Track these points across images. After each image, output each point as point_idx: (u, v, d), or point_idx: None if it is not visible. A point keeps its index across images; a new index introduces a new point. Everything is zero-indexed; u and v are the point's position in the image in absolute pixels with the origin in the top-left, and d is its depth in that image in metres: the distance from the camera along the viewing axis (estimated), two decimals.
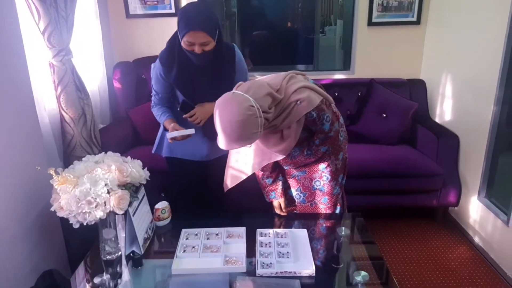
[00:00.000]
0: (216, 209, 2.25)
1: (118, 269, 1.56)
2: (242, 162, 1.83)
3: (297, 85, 1.54)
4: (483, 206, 2.54)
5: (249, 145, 1.50)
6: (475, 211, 2.64)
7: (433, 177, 2.73)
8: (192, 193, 2.18)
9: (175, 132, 1.91)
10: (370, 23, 3.28)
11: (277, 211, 1.96)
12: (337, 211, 1.93)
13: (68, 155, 2.27)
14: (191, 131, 1.95)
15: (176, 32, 1.86)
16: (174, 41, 1.87)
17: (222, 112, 1.39)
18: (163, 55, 1.91)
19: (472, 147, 2.68)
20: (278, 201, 1.94)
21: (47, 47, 2.07)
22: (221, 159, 2.09)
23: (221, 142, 1.44)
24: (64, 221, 1.47)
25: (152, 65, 1.98)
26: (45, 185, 1.45)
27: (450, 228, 2.85)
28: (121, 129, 2.96)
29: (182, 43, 1.78)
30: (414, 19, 3.26)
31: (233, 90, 1.44)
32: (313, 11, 4.23)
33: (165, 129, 2.04)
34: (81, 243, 1.81)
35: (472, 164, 2.66)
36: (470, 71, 2.68)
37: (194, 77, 1.90)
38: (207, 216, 2.00)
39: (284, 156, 1.72)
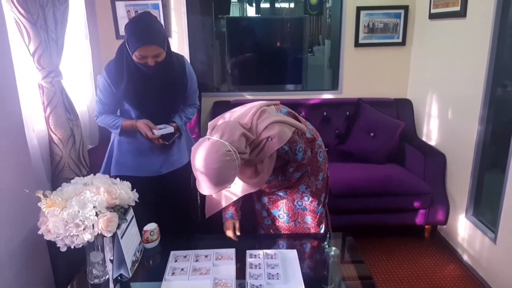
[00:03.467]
0: (191, 226, 2.24)
1: None
2: (223, 194, 1.85)
3: (267, 121, 1.55)
4: (470, 224, 2.57)
5: (229, 186, 1.56)
6: (463, 229, 2.66)
7: (421, 196, 2.75)
8: (156, 215, 1.92)
9: (163, 129, 1.93)
10: (357, 44, 3.35)
11: (229, 233, 1.83)
12: (322, 230, 1.94)
13: (56, 177, 2.25)
14: (171, 128, 1.98)
15: (122, 45, 1.89)
16: (121, 54, 1.89)
17: (200, 160, 1.41)
18: (111, 68, 1.92)
19: (458, 165, 2.72)
20: (233, 222, 1.85)
21: (36, 68, 2.07)
22: (176, 172, 2.11)
23: (202, 188, 1.47)
24: (51, 244, 1.45)
25: (99, 76, 1.99)
26: (33, 207, 1.43)
27: (439, 246, 2.87)
28: None
29: (134, 57, 1.81)
30: (400, 40, 3.34)
31: (208, 136, 1.47)
32: (301, 31, 4.30)
33: (121, 134, 2.01)
34: (68, 266, 1.78)
35: (459, 182, 2.70)
36: (454, 91, 2.74)
37: (144, 89, 1.91)
38: (196, 237, 1.98)
39: (258, 188, 1.76)
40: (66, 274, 1.83)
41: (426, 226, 2.95)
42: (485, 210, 2.53)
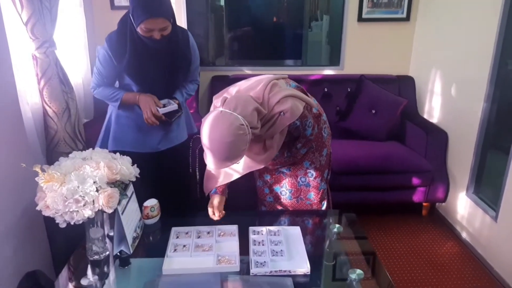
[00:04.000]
0: (190, 203, 2.20)
1: (105, 269, 1.51)
2: (224, 170, 1.77)
3: (279, 95, 1.49)
4: (471, 202, 2.56)
5: (238, 162, 1.48)
6: (463, 207, 2.66)
7: (422, 173, 2.74)
8: (154, 191, 1.89)
9: (167, 107, 1.88)
10: (360, 19, 3.26)
11: (211, 210, 1.74)
12: (323, 206, 1.92)
13: (51, 151, 2.19)
14: (175, 105, 1.92)
15: (125, 16, 1.80)
16: (125, 25, 1.80)
17: (212, 133, 1.35)
18: (113, 40, 1.83)
19: (460, 143, 2.69)
20: (217, 198, 1.76)
21: (30, 38, 1.98)
22: (175, 149, 2.06)
23: (210, 162, 1.42)
24: (48, 220, 1.40)
25: (99, 47, 1.89)
26: (29, 182, 1.38)
27: (437, 223, 2.87)
28: None
29: (139, 30, 1.72)
30: (404, 15, 3.26)
31: (220, 108, 1.38)
32: (301, 6, 4.19)
33: (120, 107, 1.94)
34: (66, 242, 1.74)
35: (461, 160, 2.68)
36: (459, 68, 2.69)
37: (148, 63, 1.84)
38: (197, 213, 1.95)
39: (264, 165, 1.69)
40: (64, 250, 1.79)
41: (424, 204, 2.95)
42: (486, 188, 2.52)
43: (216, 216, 1.73)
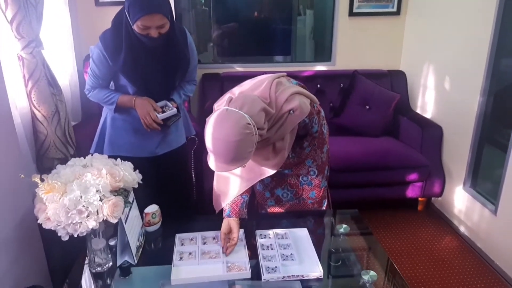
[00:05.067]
0: (188, 207, 2.14)
1: (108, 281, 1.43)
2: (233, 181, 1.68)
3: (286, 93, 1.43)
4: (468, 196, 2.57)
5: (244, 165, 1.38)
6: (460, 201, 2.67)
7: (419, 168, 2.73)
8: (153, 198, 1.79)
9: (166, 113, 1.81)
10: (351, 13, 3.23)
11: (223, 238, 1.55)
12: (324, 205, 1.88)
13: (41, 157, 2.07)
14: (174, 110, 1.85)
15: (120, 13, 1.71)
16: (120, 23, 1.71)
17: (217, 132, 1.27)
18: (107, 39, 1.74)
19: (456, 137, 2.70)
20: (229, 222, 1.57)
21: (15, 38, 1.86)
22: (173, 153, 1.99)
23: (214, 164, 1.33)
24: (44, 231, 1.31)
25: (92, 47, 1.80)
26: (23, 192, 1.29)
27: (434, 218, 2.88)
28: (94, 126, 2.76)
29: (135, 27, 1.64)
30: (394, 9, 3.25)
31: (226, 107, 1.31)
32: (289, 0, 4.14)
33: (116, 110, 1.86)
34: (63, 254, 1.65)
35: (456, 154, 2.68)
36: (454, 62, 2.68)
37: (145, 63, 1.76)
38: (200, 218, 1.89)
39: (276, 171, 1.60)
40: (61, 261, 1.70)
41: (421, 199, 2.95)
42: (483, 182, 2.54)
43: (226, 249, 1.53)
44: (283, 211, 1.86)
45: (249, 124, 1.27)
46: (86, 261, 1.49)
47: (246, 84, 1.51)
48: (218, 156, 1.30)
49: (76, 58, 2.77)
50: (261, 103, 1.35)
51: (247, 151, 1.29)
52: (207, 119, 1.35)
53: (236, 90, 1.50)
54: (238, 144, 1.25)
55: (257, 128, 1.30)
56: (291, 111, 1.40)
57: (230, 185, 1.66)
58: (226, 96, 1.44)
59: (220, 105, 1.41)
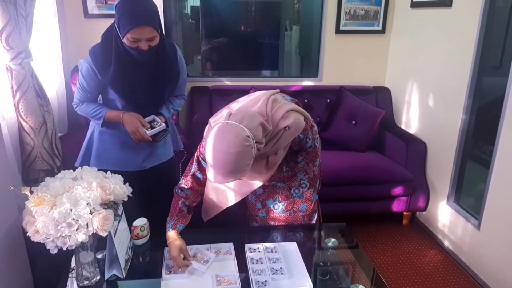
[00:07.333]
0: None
1: None
2: (224, 194, 1.75)
3: (282, 110, 1.48)
4: (452, 210, 2.62)
5: (242, 178, 1.42)
6: (444, 215, 2.72)
7: (404, 183, 2.78)
8: (140, 211, 1.77)
9: (155, 129, 1.80)
10: (338, 30, 3.30)
11: (174, 255, 1.51)
12: (314, 218, 1.90)
13: (27, 168, 2.05)
14: (163, 125, 1.85)
15: (110, 28, 1.73)
16: (109, 37, 1.72)
17: (219, 144, 1.31)
18: (97, 53, 1.74)
19: (439, 153, 2.76)
20: (180, 242, 1.55)
21: (4, 49, 1.85)
22: (161, 167, 1.99)
23: (213, 175, 1.37)
24: (31, 244, 1.29)
25: (82, 61, 1.80)
26: (7, 203, 1.26)
27: (419, 232, 2.92)
28: (80, 137, 2.73)
29: (125, 40, 1.65)
30: (380, 28, 3.33)
31: (226, 120, 1.35)
32: (277, 15, 4.20)
33: (103, 125, 1.86)
34: (49, 266, 1.62)
35: (440, 170, 2.74)
36: (437, 80, 2.76)
37: (134, 76, 1.76)
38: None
39: (264, 183, 1.67)
40: (47, 274, 1.66)
41: (405, 213, 3.00)
42: (467, 197, 2.59)
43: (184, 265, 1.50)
44: (274, 223, 1.87)
45: (249, 137, 1.31)
46: (73, 275, 1.46)
47: (243, 101, 1.56)
48: (217, 168, 1.33)
49: (64, 69, 2.76)
50: (260, 118, 1.40)
51: (246, 163, 1.33)
52: (205, 133, 1.38)
53: (234, 106, 1.54)
54: (238, 155, 1.29)
55: (256, 142, 1.34)
56: (287, 128, 1.45)
57: (221, 197, 1.71)
58: (224, 111, 1.49)
59: (217, 120, 1.45)
